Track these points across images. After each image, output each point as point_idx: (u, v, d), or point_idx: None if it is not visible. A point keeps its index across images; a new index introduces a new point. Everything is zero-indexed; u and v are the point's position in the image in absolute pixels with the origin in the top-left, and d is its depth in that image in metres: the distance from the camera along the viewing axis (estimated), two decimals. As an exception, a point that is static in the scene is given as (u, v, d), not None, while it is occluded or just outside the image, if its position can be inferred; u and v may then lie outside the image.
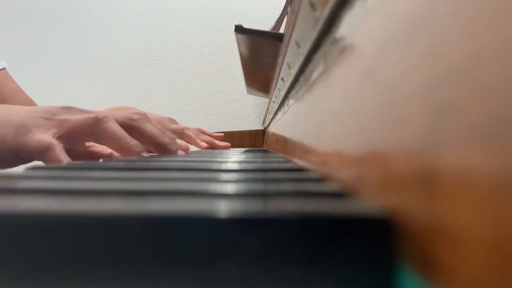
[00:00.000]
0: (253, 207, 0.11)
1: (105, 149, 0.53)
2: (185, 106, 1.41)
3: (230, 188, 0.16)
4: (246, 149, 0.92)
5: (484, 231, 0.07)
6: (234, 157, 0.40)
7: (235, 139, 1.24)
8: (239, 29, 0.71)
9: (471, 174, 0.07)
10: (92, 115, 0.43)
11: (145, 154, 0.43)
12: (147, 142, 0.45)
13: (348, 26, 0.19)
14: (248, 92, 1.21)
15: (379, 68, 0.14)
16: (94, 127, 0.42)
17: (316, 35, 0.25)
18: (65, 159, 0.40)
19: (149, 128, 0.46)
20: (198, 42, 1.43)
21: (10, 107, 0.44)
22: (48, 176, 0.21)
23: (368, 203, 0.12)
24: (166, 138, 0.46)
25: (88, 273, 0.10)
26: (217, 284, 0.10)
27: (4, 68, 0.73)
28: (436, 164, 0.09)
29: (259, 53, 0.79)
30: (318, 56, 0.28)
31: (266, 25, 1.09)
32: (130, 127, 0.44)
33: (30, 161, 0.42)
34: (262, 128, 1.21)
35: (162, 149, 0.46)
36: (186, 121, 1.00)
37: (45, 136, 0.40)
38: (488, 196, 0.07)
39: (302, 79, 0.36)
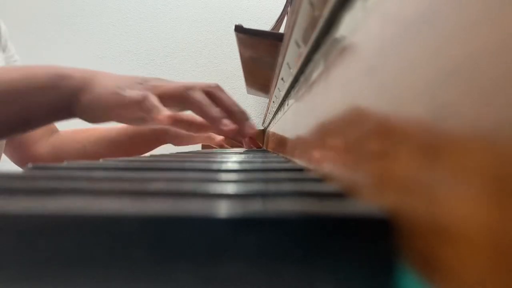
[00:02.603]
0: (253, 207, 0.11)
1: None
2: (185, 106, 1.41)
3: (230, 188, 0.16)
4: (246, 149, 0.92)
5: (484, 231, 0.07)
6: (234, 157, 0.40)
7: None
8: (239, 29, 0.71)
9: (471, 173, 0.07)
10: (182, 85, 0.47)
11: (225, 121, 0.47)
12: (221, 108, 0.49)
13: (348, 26, 0.19)
14: (248, 92, 1.21)
15: (379, 67, 0.14)
16: (183, 95, 0.47)
17: (316, 35, 0.25)
18: (160, 106, 0.44)
19: (223, 96, 0.50)
20: (198, 42, 1.43)
21: (104, 73, 0.51)
22: (48, 176, 0.21)
23: (368, 203, 0.12)
24: (237, 108, 0.50)
25: (88, 273, 0.10)
26: (217, 284, 0.10)
27: None
28: (436, 163, 0.09)
29: (259, 53, 0.79)
30: (318, 56, 0.27)
31: (266, 25, 1.09)
32: (208, 93, 0.49)
33: (126, 115, 0.48)
34: (262, 128, 1.21)
35: (233, 116, 0.50)
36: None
37: (141, 92, 0.46)
38: (488, 196, 0.07)
39: (302, 79, 0.36)
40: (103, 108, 0.48)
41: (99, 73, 0.51)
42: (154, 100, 0.45)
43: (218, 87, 0.50)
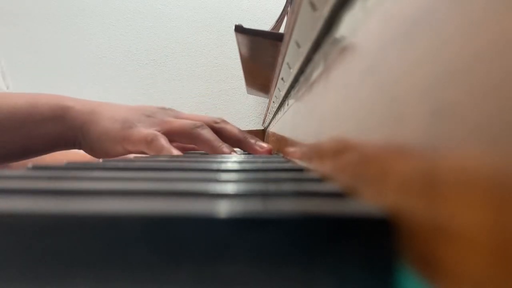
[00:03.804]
0: (253, 207, 0.11)
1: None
2: (185, 106, 1.41)
3: (230, 188, 0.16)
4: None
5: (484, 231, 0.07)
6: (234, 157, 0.40)
7: (235, 139, 1.23)
8: (239, 29, 0.71)
9: (471, 174, 0.07)
10: (191, 122, 0.48)
11: (233, 153, 0.48)
12: (229, 140, 0.50)
13: (348, 26, 0.19)
14: (248, 92, 1.21)
15: (379, 67, 0.14)
16: (192, 134, 0.47)
17: (316, 35, 0.25)
18: (170, 146, 0.45)
19: (229, 128, 0.51)
20: (198, 42, 1.43)
21: (109, 105, 0.50)
22: (48, 176, 0.21)
23: (368, 203, 0.12)
24: (244, 135, 0.51)
25: (88, 273, 0.10)
26: (217, 284, 0.10)
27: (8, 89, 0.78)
28: (436, 163, 0.09)
29: (259, 53, 0.79)
30: (318, 56, 0.27)
31: (266, 26, 1.09)
32: (214, 129, 0.50)
33: (133, 150, 0.48)
34: (262, 128, 1.21)
35: (242, 144, 0.51)
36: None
37: (150, 130, 0.47)
38: (488, 196, 0.07)
39: (302, 79, 0.36)
40: (110, 142, 0.47)
41: (103, 104, 0.50)
42: (163, 141, 0.45)
43: (223, 121, 0.51)
